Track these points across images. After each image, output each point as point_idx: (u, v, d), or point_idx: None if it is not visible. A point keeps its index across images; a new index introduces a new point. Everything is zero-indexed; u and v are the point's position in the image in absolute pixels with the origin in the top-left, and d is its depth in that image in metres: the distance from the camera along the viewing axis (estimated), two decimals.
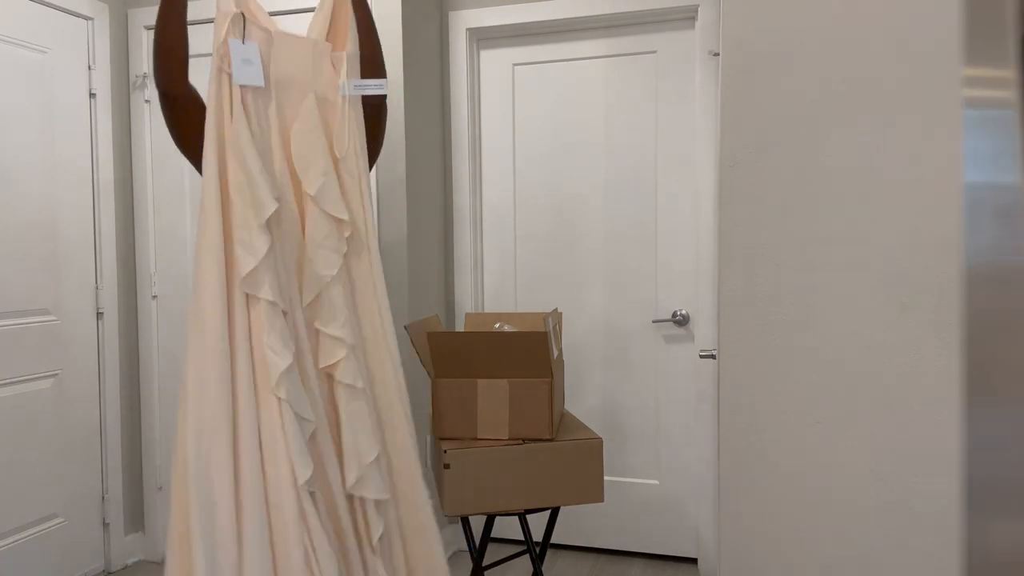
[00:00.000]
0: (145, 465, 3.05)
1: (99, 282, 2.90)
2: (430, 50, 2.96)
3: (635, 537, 3.02)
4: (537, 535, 2.93)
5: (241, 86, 1.62)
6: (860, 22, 1.68)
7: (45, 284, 2.70)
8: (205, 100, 1.67)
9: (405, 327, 2.35)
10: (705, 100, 2.82)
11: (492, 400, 1.94)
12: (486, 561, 2.33)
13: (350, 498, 1.71)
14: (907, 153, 1.66)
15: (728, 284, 1.72)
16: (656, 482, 3.00)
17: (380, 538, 1.71)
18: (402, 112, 2.69)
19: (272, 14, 2.80)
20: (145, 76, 2.97)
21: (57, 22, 2.74)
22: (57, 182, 2.73)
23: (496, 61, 3.10)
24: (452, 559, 3.04)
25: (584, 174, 3.02)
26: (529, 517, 2.96)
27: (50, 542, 2.70)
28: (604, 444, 2.95)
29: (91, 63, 2.86)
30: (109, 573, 2.94)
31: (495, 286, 3.15)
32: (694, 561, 2.98)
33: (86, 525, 2.85)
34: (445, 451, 1.88)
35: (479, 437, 1.94)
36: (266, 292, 1.58)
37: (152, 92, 2.99)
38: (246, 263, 1.56)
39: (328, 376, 1.72)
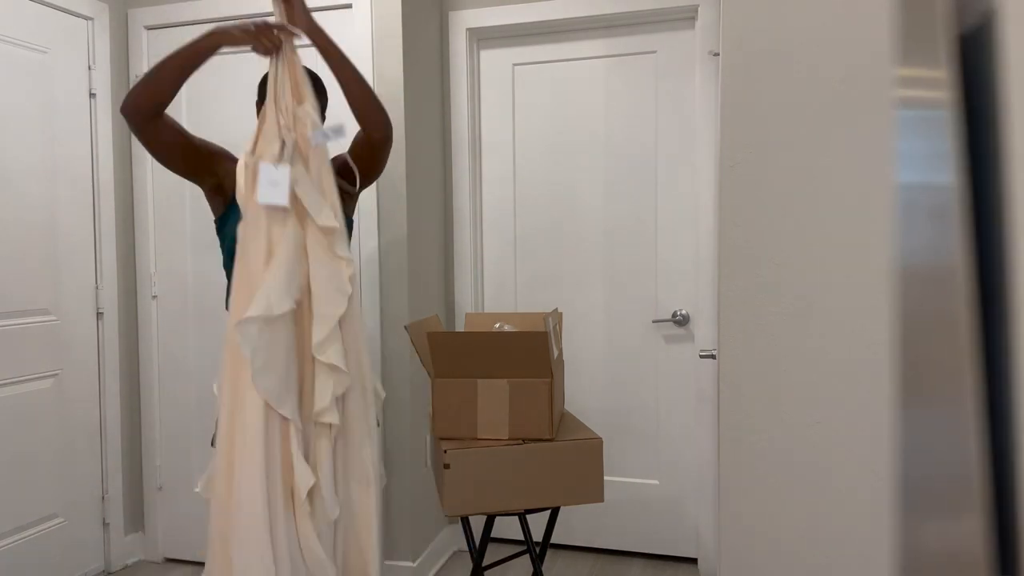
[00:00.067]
0: (145, 465, 3.05)
1: (99, 282, 2.90)
2: (430, 50, 2.96)
3: (635, 537, 3.02)
4: (537, 535, 2.93)
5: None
6: (861, 22, 1.68)
7: (45, 284, 2.69)
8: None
9: (405, 327, 2.35)
10: (705, 100, 2.82)
11: (492, 400, 1.94)
12: (486, 561, 2.33)
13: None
14: None
15: (728, 284, 1.72)
16: (656, 482, 3.00)
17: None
18: (402, 112, 2.69)
19: (271, 14, 2.80)
20: None
21: (57, 22, 2.74)
22: (57, 182, 2.73)
23: (496, 61, 3.10)
24: (452, 559, 3.04)
25: (584, 174, 3.02)
26: (529, 517, 2.96)
27: (50, 542, 2.70)
28: (604, 444, 2.94)
29: (91, 63, 2.86)
30: (109, 573, 2.94)
31: (495, 286, 3.15)
32: (694, 561, 2.97)
33: (86, 525, 2.85)
34: (445, 451, 1.88)
35: (479, 437, 1.94)
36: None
37: None
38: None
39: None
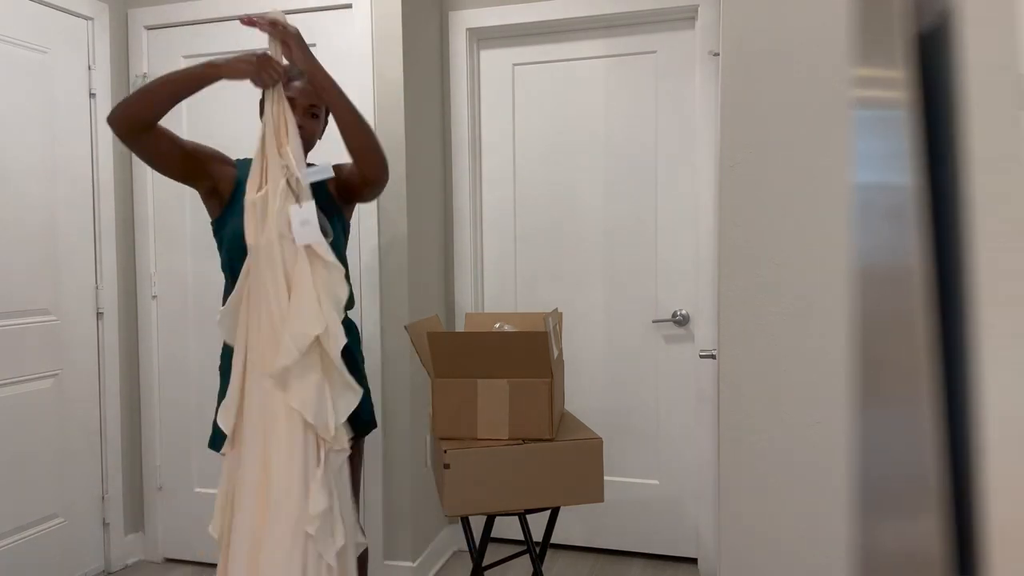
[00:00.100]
0: (145, 465, 3.04)
1: (99, 282, 2.90)
2: (430, 50, 2.96)
3: (635, 537, 3.02)
4: (537, 535, 2.93)
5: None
6: None
7: (45, 284, 2.69)
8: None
9: (405, 327, 2.35)
10: (705, 100, 2.82)
11: (492, 400, 1.94)
12: (486, 561, 2.33)
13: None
14: None
15: (728, 284, 1.72)
16: (656, 482, 3.00)
17: None
18: (402, 112, 2.69)
19: None
20: (145, 76, 2.97)
21: (57, 22, 2.74)
22: (57, 182, 2.73)
23: (496, 61, 3.10)
24: (452, 559, 3.04)
25: (584, 174, 3.02)
26: (529, 517, 2.96)
27: (50, 542, 2.70)
28: (604, 444, 2.94)
29: (91, 63, 2.86)
30: (109, 573, 2.94)
31: (495, 286, 3.15)
32: (694, 561, 2.97)
33: (86, 525, 2.85)
34: (445, 451, 1.88)
35: (479, 437, 1.94)
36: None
37: None
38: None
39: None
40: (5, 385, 2.56)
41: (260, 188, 1.73)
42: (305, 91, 1.92)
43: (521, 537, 3.13)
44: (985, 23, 0.84)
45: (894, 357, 0.90)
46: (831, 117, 1.65)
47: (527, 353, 1.90)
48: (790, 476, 1.73)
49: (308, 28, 2.77)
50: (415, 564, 2.74)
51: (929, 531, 0.85)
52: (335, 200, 2.04)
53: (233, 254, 1.88)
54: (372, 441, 2.73)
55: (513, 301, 3.13)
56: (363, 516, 2.75)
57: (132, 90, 2.99)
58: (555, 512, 2.21)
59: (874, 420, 0.93)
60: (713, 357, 2.57)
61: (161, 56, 2.95)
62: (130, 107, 1.73)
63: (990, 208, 0.84)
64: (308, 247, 1.73)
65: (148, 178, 3.00)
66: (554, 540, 3.13)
